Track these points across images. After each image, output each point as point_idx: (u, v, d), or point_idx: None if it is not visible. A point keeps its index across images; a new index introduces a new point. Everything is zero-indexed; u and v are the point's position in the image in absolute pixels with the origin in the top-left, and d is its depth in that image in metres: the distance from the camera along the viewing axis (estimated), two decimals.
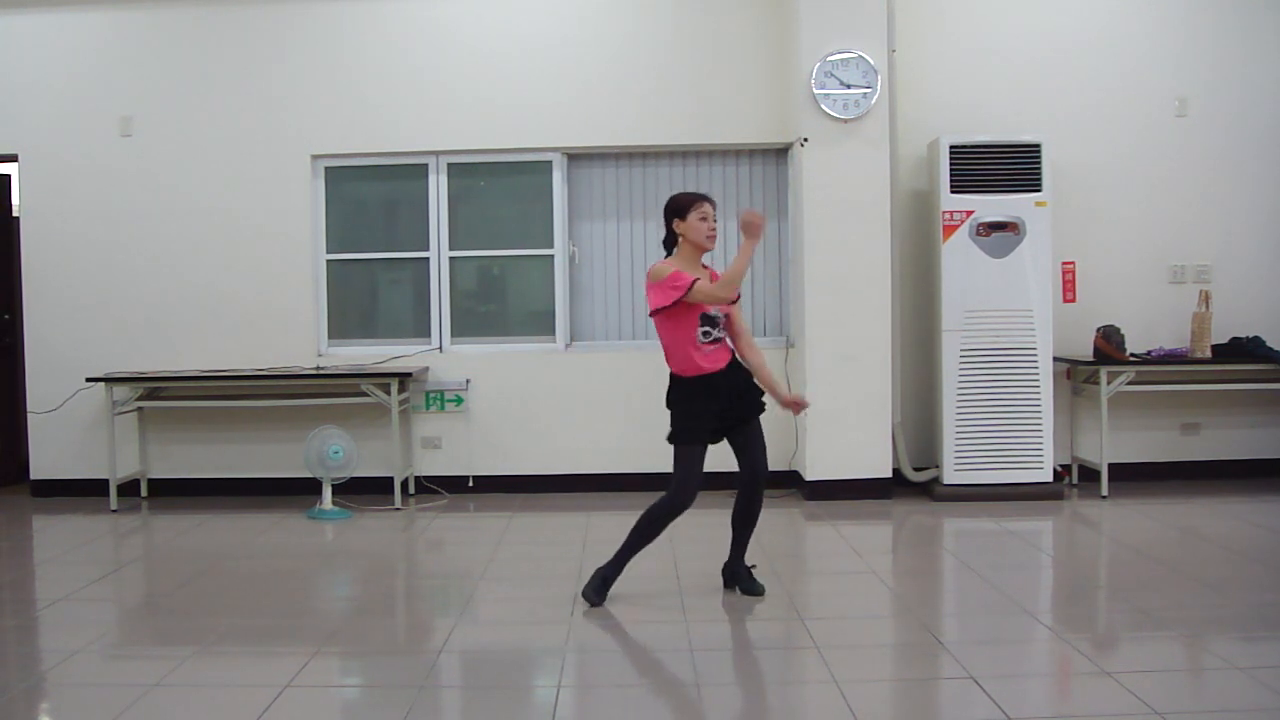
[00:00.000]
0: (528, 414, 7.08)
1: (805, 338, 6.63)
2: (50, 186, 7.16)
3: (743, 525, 4.58)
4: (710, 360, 4.40)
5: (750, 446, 4.47)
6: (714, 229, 4.42)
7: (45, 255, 7.16)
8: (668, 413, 4.49)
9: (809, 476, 6.63)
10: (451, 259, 7.21)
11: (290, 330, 7.12)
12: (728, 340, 4.51)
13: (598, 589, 4.50)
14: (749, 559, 4.68)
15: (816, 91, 6.51)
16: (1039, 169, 6.55)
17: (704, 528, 6.07)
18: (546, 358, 7.15)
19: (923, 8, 6.97)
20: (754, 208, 4.28)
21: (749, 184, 7.22)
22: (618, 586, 4.58)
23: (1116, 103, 7.03)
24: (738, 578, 4.64)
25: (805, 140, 6.55)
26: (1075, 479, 7.04)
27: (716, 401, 4.41)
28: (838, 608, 4.56)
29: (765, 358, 4.62)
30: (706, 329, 4.39)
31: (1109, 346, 6.59)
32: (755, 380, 4.50)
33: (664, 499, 4.43)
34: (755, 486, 4.49)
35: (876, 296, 6.58)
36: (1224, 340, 6.81)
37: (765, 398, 4.53)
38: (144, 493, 7.14)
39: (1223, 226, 7.07)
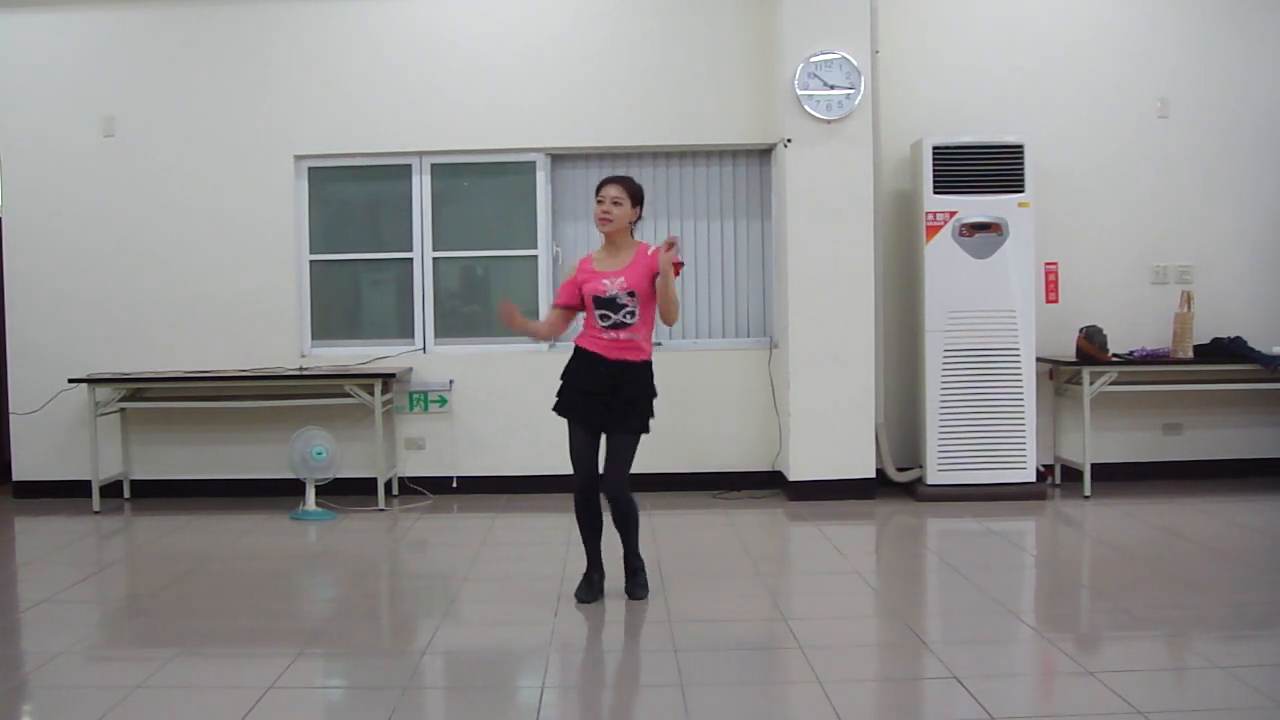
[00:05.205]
0: (511, 415, 7.06)
1: (788, 338, 6.64)
2: (32, 186, 7.12)
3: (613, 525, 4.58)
4: (598, 343, 4.44)
5: (606, 452, 4.48)
6: (604, 212, 4.48)
7: (27, 255, 7.12)
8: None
9: (792, 477, 6.64)
10: (435, 259, 7.20)
11: (273, 331, 7.09)
12: (643, 342, 4.44)
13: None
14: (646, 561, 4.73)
15: (800, 92, 6.52)
16: (1022, 170, 6.58)
17: (686, 527, 6.08)
18: (530, 358, 7.13)
19: (906, 9, 6.99)
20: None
21: (732, 185, 7.23)
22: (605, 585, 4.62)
23: (1099, 104, 7.06)
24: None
25: (789, 141, 6.56)
26: (1058, 479, 7.07)
27: (586, 379, 4.43)
28: (821, 608, 4.56)
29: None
30: (604, 312, 4.43)
31: (1091, 347, 6.62)
32: (631, 399, 4.42)
33: None
34: (605, 493, 4.48)
35: (859, 297, 6.60)
36: (1205, 341, 6.85)
37: (639, 417, 4.45)
38: (127, 494, 7.10)
39: (1204, 227, 7.11)
